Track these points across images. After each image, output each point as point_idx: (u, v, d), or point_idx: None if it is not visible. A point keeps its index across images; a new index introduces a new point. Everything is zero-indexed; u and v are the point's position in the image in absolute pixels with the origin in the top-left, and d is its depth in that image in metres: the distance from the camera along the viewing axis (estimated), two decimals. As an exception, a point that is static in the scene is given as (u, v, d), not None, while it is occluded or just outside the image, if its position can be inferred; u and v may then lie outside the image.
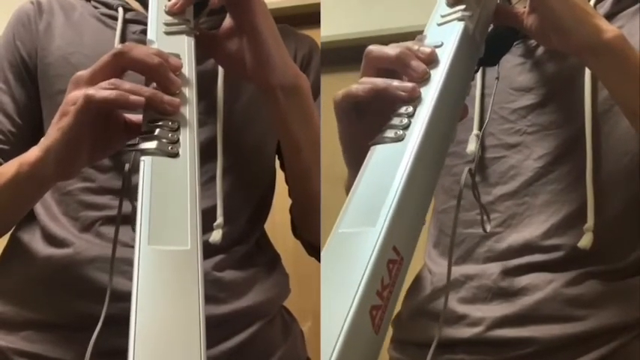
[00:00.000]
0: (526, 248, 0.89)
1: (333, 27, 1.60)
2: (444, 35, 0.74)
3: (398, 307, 0.99)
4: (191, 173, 0.70)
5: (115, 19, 1.00)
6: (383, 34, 1.65)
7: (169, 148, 0.71)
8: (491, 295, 0.89)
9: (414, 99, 0.68)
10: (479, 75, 0.96)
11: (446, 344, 0.89)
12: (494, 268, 0.90)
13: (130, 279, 0.60)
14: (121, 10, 1.00)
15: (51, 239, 0.94)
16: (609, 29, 0.75)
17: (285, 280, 1.06)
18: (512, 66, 0.94)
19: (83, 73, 0.77)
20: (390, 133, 0.66)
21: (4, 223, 0.93)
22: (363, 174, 0.64)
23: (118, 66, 0.77)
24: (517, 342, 0.86)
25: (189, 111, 0.75)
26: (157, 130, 0.72)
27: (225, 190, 0.95)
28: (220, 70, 0.97)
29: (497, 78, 0.92)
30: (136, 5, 1.02)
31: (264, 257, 1.04)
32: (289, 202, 1.04)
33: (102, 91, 0.74)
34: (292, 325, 1.06)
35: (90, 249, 0.92)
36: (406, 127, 0.65)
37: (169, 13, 0.86)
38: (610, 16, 0.88)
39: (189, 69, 0.80)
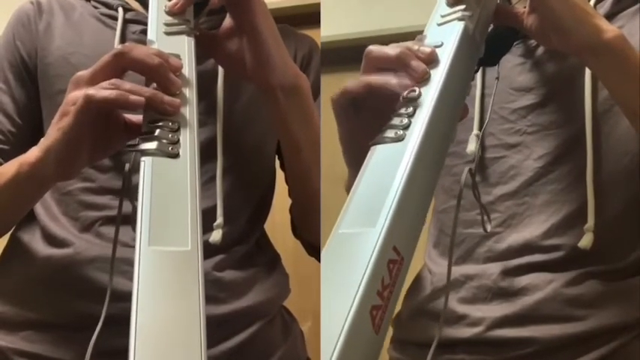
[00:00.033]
0: (526, 248, 0.89)
1: (333, 27, 1.60)
2: (444, 35, 0.74)
3: (398, 307, 0.99)
4: (191, 174, 0.70)
5: (115, 19, 1.00)
6: (383, 34, 1.65)
7: (170, 148, 0.71)
8: (492, 295, 0.89)
9: (412, 95, 0.68)
10: (479, 75, 0.96)
11: (446, 344, 0.89)
12: (495, 268, 0.90)
13: (130, 279, 0.60)
14: (120, 10, 1.00)
15: (51, 239, 0.94)
16: (609, 29, 0.75)
17: (285, 280, 1.06)
18: (513, 66, 0.94)
19: (83, 73, 0.77)
20: (390, 133, 0.65)
21: (4, 223, 0.93)
22: (363, 174, 0.64)
23: (119, 66, 0.77)
24: (517, 342, 0.86)
25: (190, 111, 0.75)
26: (157, 131, 0.72)
27: (225, 190, 0.95)
28: (220, 70, 0.97)
29: (498, 78, 0.92)
30: (136, 5, 1.02)
31: (264, 257, 1.04)
32: (289, 202, 1.04)
33: (102, 90, 0.74)
34: (292, 325, 1.06)
35: (90, 249, 0.92)
36: (406, 127, 0.65)
37: (169, 13, 0.86)
38: (610, 16, 0.88)
39: (189, 69, 0.80)
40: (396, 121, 0.66)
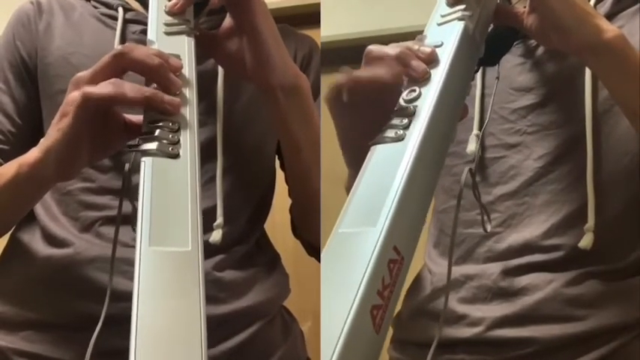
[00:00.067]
0: (526, 248, 0.89)
1: (333, 27, 1.60)
2: (444, 35, 0.74)
3: (398, 307, 0.99)
4: (192, 174, 0.70)
5: (115, 19, 1.00)
6: (383, 34, 1.65)
7: (170, 149, 0.70)
8: (492, 295, 0.89)
9: (412, 95, 0.68)
10: (479, 75, 0.96)
11: (446, 344, 0.89)
12: (495, 268, 0.90)
13: (130, 279, 0.60)
14: (120, 10, 1.00)
15: (51, 239, 0.94)
16: (609, 29, 0.75)
17: (285, 280, 1.06)
18: (513, 66, 0.94)
19: (83, 73, 0.77)
20: (390, 133, 0.65)
21: (4, 223, 0.93)
22: (363, 174, 0.64)
23: (119, 67, 0.76)
24: (517, 342, 0.86)
25: (190, 112, 0.75)
26: (158, 131, 0.71)
27: (225, 190, 0.95)
28: (220, 70, 0.97)
29: (498, 78, 0.92)
30: (136, 5, 1.02)
31: (264, 257, 1.04)
32: (289, 202, 1.04)
33: (100, 88, 0.74)
34: (292, 325, 1.06)
35: (90, 249, 0.92)
36: (406, 127, 0.65)
37: (169, 13, 0.86)
38: (610, 16, 0.88)
39: (189, 69, 0.80)
40: (396, 120, 0.66)
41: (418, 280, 1.00)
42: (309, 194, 0.96)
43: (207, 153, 0.93)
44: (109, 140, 0.80)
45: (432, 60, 0.71)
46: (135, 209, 0.66)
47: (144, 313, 0.57)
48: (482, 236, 0.91)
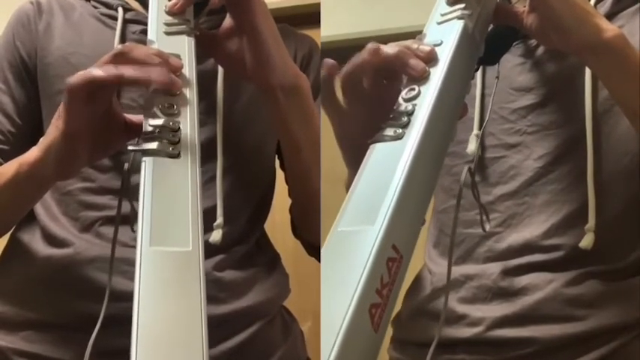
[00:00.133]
0: (526, 248, 0.89)
1: (333, 27, 1.60)
2: (444, 34, 0.74)
3: (398, 307, 0.99)
4: (192, 174, 0.70)
5: (115, 19, 1.00)
6: (383, 34, 1.65)
7: (170, 148, 0.70)
8: (491, 295, 0.89)
9: (411, 94, 0.68)
10: (479, 74, 0.96)
11: (446, 344, 0.89)
12: (494, 268, 0.90)
13: (130, 279, 0.60)
14: (120, 10, 1.00)
15: (51, 239, 0.94)
16: (609, 28, 0.75)
17: (285, 280, 1.06)
18: (513, 66, 0.94)
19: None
20: (389, 132, 0.65)
21: (4, 223, 0.93)
22: (362, 172, 0.64)
23: None
24: (517, 342, 0.86)
25: (190, 111, 0.75)
26: (158, 131, 0.71)
27: (225, 190, 0.95)
28: (220, 69, 0.97)
29: (497, 77, 0.92)
30: (136, 5, 1.02)
31: (264, 257, 1.04)
32: (289, 202, 1.04)
33: (92, 70, 0.73)
34: (292, 325, 1.06)
35: (90, 249, 0.92)
36: (405, 126, 0.65)
37: (169, 13, 0.86)
38: (610, 16, 0.88)
39: (189, 69, 0.80)
40: (395, 119, 0.66)
41: (418, 280, 1.00)
42: (309, 194, 0.96)
43: (207, 153, 0.93)
44: (109, 140, 0.80)
45: (431, 59, 0.71)
46: (134, 209, 0.66)
47: (145, 313, 0.57)
48: (482, 236, 0.91)
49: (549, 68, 0.92)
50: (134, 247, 0.62)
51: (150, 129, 0.72)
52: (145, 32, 0.86)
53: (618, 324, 0.85)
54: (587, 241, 0.85)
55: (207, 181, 0.94)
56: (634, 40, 0.81)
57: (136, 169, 0.69)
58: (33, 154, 0.80)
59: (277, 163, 1.08)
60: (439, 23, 0.76)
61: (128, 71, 0.72)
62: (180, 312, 0.58)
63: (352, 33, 1.74)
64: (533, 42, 0.93)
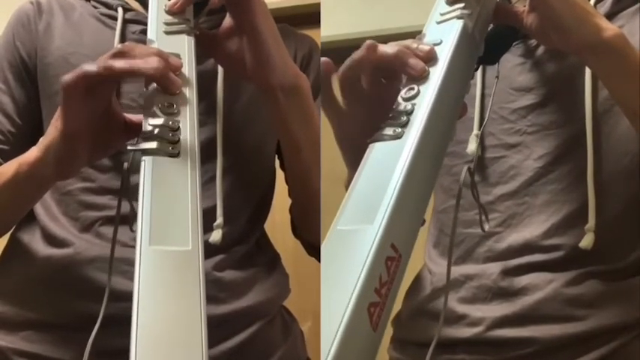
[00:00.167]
0: (526, 248, 0.89)
1: (333, 27, 1.60)
2: (443, 33, 0.74)
3: (398, 306, 0.99)
4: (192, 173, 0.70)
5: (115, 19, 1.00)
6: (383, 34, 1.65)
7: (170, 148, 0.70)
8: (491, 295, 0.89)
9: (411, 93, 0.68)
10: (479, 74, 0.96)
11: (446, 344, 0.89)
12: (494, 267, 0.90)
13: (130, 279, 0.60)
14: (120, 10, 1.00)
15: (51, 239, 0.94)
16: (609, 28, 0.75)
17: (285, 280, 1.06)
18: (513, 66, 0.94)
19: None
20: (388, 131, 0.65)
21: (4, 223, 0.93)
22: (361, 171, 0.64)
23: None
24: (517, 342, 0.86)
25: (190, 111, 0.75)
26: (158, 130, 0.71)
27: (225, 190, 0.95)
28: (220, 69, 0.97)
29: (497, 77, 0.92)
30: (136, 5, 1.02)
31: (264, 257, 1.04)
32: (289, 202, 1.04)
33: (86, 66, 0.73)
34: (292, 325, 1.06)
35: (90, 249, 0.92)
36: (404, 125, 0.65)
37: (169, 12, 0.86)
38: (610, 16, 0.88)
39: (189, 69, 0.80)
40: (394, 118, 0.66)
41: (418, 280, 1.00)
42: (309, 194, 0.96)
43: (207, 153, 0.93)
44: (108, 139, 0.80)
45: (430, 58, 0.71)
46: (133, 209, 0.66)
47: (144, 312, 0.57)
48: (482, 236, 0.91)
49: (549, 68, 0.92)
50: (134, 247, 0.62)
51: (149, 128, 0.72)
52: (144, 32, 0.86)
53: (618, 324, 0.85)
54: (587, 241, 0.85)
55: (207, 181, 0.94)
56: (634, 40, 0.81)
57: (135, 168, 0.69)
58: (32, 154, 0.80)
59: (277, 163, 1.08)
60: (439, 23, 0.76)
61: (119, 63, 0.72)
62: (180, 311, 0.58)
63: (352, 33, 1.74)
64: (533, 42, 0.93)
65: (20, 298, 0.94)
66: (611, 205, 0.87)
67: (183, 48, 0.82)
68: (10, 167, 0.83)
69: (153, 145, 0.70)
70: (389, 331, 1.01)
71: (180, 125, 0.73)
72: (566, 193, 0.88)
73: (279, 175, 1.07)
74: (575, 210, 0.87)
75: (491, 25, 0.83)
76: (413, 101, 0.67)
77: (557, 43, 0.78)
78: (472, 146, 0.92)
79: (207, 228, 0.92)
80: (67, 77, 0.72)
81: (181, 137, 0.72)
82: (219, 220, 0.94)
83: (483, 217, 0.84)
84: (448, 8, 0.77)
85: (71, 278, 0.91)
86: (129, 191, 0.71)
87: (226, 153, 0.96)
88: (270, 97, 0.87)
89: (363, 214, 0.58)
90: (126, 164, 0.70)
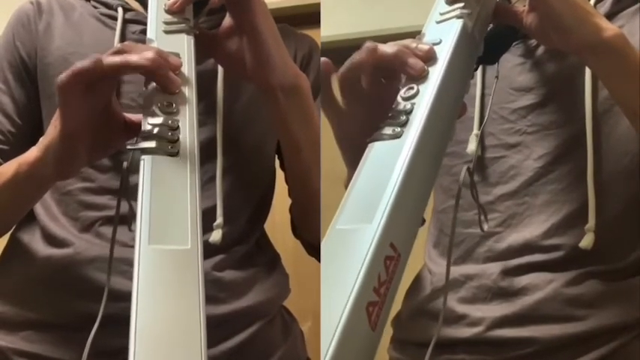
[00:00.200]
0: (526, 248, 0.89)
1: (333, 27, 1.60)
2: (443, 33, 0.74)
3: (397, 306, 0.99)
4: (191, 172, 0.70)
5: (115, 19, 1.00)
6: (383, 34, 1.65)
7: (169, 147, 0.70)
8: (491, 295, 0.89)
9: (410, 93, 0.68)
10: (479, 74, 0.96)
11: (446, 344, 0.89)
12: (494, 267, 0.90)
13: (130, 279, 0.60)
14: (120, 10, 1.00)
15: (51, 239, 0.94)
16: (609, 28, 0.75)
17: (285, 280, 1.06)
18: (513, 66, 0.94)
19: None
20: (387, 130, 0.65)
21: (4, 223, 0.93)
22: (360, 171, 0.64)
23: None
24: (517, 342, 0.86)
25: (189, 110, 0.75)
26: (157, 130, 0.71)
27: (225, 190, 0.95)
28: (220, 69, 0.97)
29: (497, 77, 0.92)
30: (136, 5, 1.02)
31: (264, 257, 1.04)
32: (289, 202, 1.04)
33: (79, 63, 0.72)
34: (292, 325, 1.05)
35: (90, 249, 0.92)
36: (404, 124, 0.65)
37: (169, 11, 0.86)
38: (610, 16, 0.88)
39: (188, 68, 0.80)
40: (393, 118, 0.66)
41: (418, 280, 1.00)
42: (309, 194, 0.96)
43: (207, 153, 0.93)
44: (108, 139, 0.80)
45: (429, 58, 0.71)
46: (131, 209, 0.66)
47: (143, 311, 0.57)
48: (482, 236, 0.91)
49: (549, 68, 0.92)
50: (134, 246, 0.62)
51: (149, 128, 0.72)
52: (144, 32, 0.86)
53: (618, 324, 0.85)
54: (587, 241, 0.85)
55: (207, 181, 0.94)
56: (634, 40, 0.81)
57: (135, 168, 0.69)
58: (32, 153, 0.81)
59: (277, 163, 1.08)
60: (438, 22, 0.76)
61: (111, 59, 0.72)
62: (179, 310, 0.58)
63: (352, 33, 1.74)
64: (533, 42, 0.93)
65: (20, 298, 0.94)
66: (611, 205, 0.87)
67: (182, 47, 0.82)
68: (10, 167, 0.83)
69: (152, 144, 0.70)
70: (389, 331, 1.01)
71: (180, 124, 0.73)
72: (566, 193, 0.88)
73: (279, 175, 1.07)
74: (575, 210, 0.87)
75: (491, 25, 0.83)
76: (412, 101, 0.67)
77: (557, 43, 0.78)
78: (472, 146, 0.92)
79: (207, 228, 0.92)
80: (62, 76, 0.72)
81: (181, 136, 0.72)
82: (219, 220, 0.94)
83: (482, 217, 0.84)
84: (448, 8, 0.77)
85: (71, 278, 0.91)
86: (128, 191, 0.71)
87: (226, 153, 0.96)
88: (270, 97, 0.87)
89: (362, 214, 0.58)
90: (125, 164, 0.70)
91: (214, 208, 0.94)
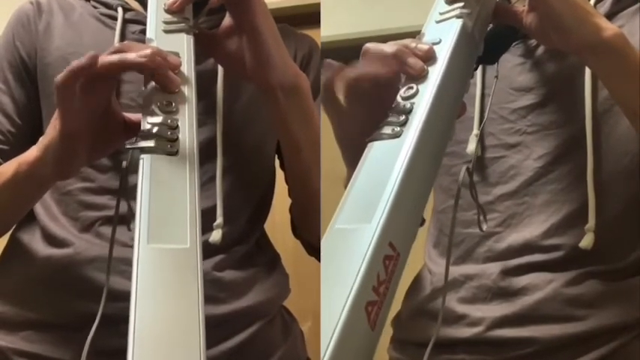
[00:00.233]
0: (526, 248, 0.89)
1: (333, 27, 1.60)
2: (442, 33, 0.74)
3: (397, 306, 0.99)
4: (190, 171, 0.70)
5: (115, 19, 1.00)
6: (383, 34, 1.65)
7: (168, 146, 0.70)
8: (491, 295, 0.89)
9: (409, 92, 0.68)
10: (479, 74, 0.96)
11: (446, 344, 0.89)
12: (494, 267, 0.90)
13: (129, 279, 0.60)
14: (120, 10, 1.00)
15: (51, 239, 0.94)
16: (609, 28, 0.75)
17: (285, 280, 1.06)
18: (513, 66, 0.94)
19: None
20: (387, 130, 0.65)
21: (4, 223, 0.94)
22: (360, 170, 0.64)
23: None
24: (517, 342, 0.86)
25: (189, 109, 0.75)
26: (156, 129, 0.71)
27: (225, 190, 0.95)
28: (220, 69, 0.97)
29: (497, 77, 0.92)
30: (136, 5, 1.02)
31: (264, 257, 1.04)
32: (289, 202, 1.04)
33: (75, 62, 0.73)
34: (292, 325, 1.05)
35: (90, 249, 0.92)
36: (403, 124, 0.65)
37: (168, 11, 0.86)
38: (610, 16, 0.88)
39: (188, 67, 0.80)
40: (393, 117, 0.66)
41: (418, 280, 1.00)
42: (309, 194, 0.96)
43: (206, 153, 0.93)
44: (108, 139, 0.80)
45: (429, 57, 0.71)
46: (130, 209, 0.66)
47: (142, 310, 0.57)
48: (481, 236, 0.91)
49: (549, 68, 0.92)
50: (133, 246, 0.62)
51: (148, 127, 0.72)
52: (144, 32, 0.86)
53: (618, 324, 0.84)
54: (587, 241, 0.85)
55: (207, 181, 0.94)
56: (634, 40, 0.81)
57: (134, 167, 0.69)
58: (32, 153, 0.81)
59: (277, 163, 1.08)
60: (438, 22, 0.76)
61: (108, 58, 0.73)
62: (178, 309, 0.58)
63: (352, 33, 1.74)
64: (533, 42, 0.93)
65: (20, 298, 0.94)
66: (611, 205, 0.87)
67: (182, 47, 0.82)
68: (10, 167, 0.83)
69: (151, 143, 0.70)
70: (389, 331, 1.01)
71: (179, 123, 0.73)
72: (566, 193, 0.88)
73: (279, 175, 1.06)
74: (575, 210, 0.87)
75: (491, 25, 0.83)
76: (412, 100, 0.67)
77: (556, 43, 0.78)
78: (471, 146, 0.92)
79: (207, 228, 0.92)
80: (60, 76, 0.72)
81: (180, 135, 0.72)
82: (219, 220, 0.94)
83: (481, 217, 0.84)
84: (447, 7, 0.77)
85: (71, 278, 0.91)
86: (127, 191, 0.71)
87: (226, 153, 0.96)
88: (270, 97, 0.87)
89: (361, 213, 0.58)
90: (124, 163, 0.70)
91: (214, 208, 0.94)
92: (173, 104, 0.74)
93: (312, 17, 1.42)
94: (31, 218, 0.96)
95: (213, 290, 0.92)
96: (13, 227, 0.97)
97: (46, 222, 0.95)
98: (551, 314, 0.85)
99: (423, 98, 0.67)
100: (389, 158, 0.62)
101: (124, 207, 0.74)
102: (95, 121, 0.76)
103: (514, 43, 0.93)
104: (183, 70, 0.78)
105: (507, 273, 0.89)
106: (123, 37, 0.98)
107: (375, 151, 0.65)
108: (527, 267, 0.88)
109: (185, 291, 0.60)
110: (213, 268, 0.94)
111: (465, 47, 0.74)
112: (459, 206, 0.74)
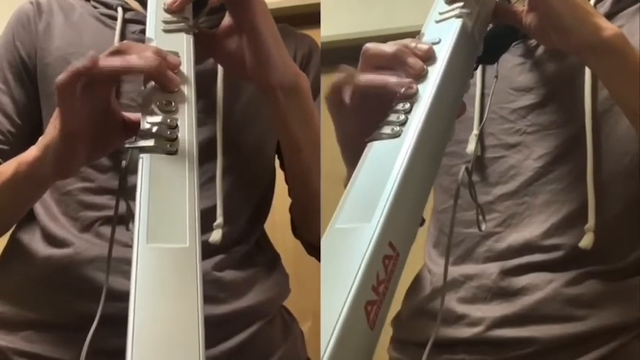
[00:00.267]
0: (526, 248, 0.89)
1: (333, 27, 1.60)
2: (442, 32, 0.74)
3: (397, 306, 0.99)
4: (190, 171, 0.70)
5: (115, 18, 1.00)
6: (383, 34, 1.65)
7: (168, 145, 0.70)
8: (491, 295, 0.89)
9: (409, 92, 0.68)
10: (479, 74, 0.96)
11: (446, 344, 0.89)
12: (494, 267, 0.90)
13: (129, 278, 0.60)
14: (120, 9, 1.00)
15: (51, 239, 0.94)
16: (609, 28, 0.75)
17: (285, 280, 1.06)
18: (512, 66, 0.94)
19: None
20: (386, 130, 0.65)
21: (4, 223, 0.93)
22: (359, 170, 0.64)
23: None
24: (517, 342, 0.86)
25: (188, 109, 0.75)
26: (156, 128, 0.71)
27: (225, 190, 0.95)
28: (220, 69, 0.97)
29: (496, 77, 0.92)
30: (136, 5, 1.02)
31: (264, 257, 1.04)
32: (289, 202, 1.04)
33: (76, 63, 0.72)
34: (292, 325, 1.05)
35: (90, 249, 0.92)
36: (403, 124, 0.65)
37: (168, 11, 0.86)
38: (610, 16, 0.88)
39: (187, 67, 0.80)
40: (392, 117, 0.66)
41: (418, 280, 1.00)
42: (309, 194, 0.96)
43: (206, 153, 0.93)
44: (107, 138, 0.80)
45: (429, 57, 0.71)
46: (129, 208, 0.66)
47: (141, 309, 0.57)
48: (481, 236, 0.91)
49: (549, 68, 0.92)
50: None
51: (147, 126, 0.71)
52: (144, 32, 0.86)
53: (618, 324, 0.84)
54: (586, 241, 0.85)
55: (207, 181, 0.94)
56: (634, 40, 0.81)
57: (133, 167, 0.69)
58: (31, 153, 0.81)
59: (277, 163, 1.08)
60: (437, 22, 0.76)
61: (111, 62, 0.73)
62: (177, 309, 0.58)
63: (352, 33, 1.73)
64: (532, 42, 0.93)
65: (20, 298, 0.94)
66: (611, 205, 0.87)
67: (181, 46, 0.82)
68: (10, 167, 0.83)
69: (150, 142, 0.70)
70: (389, 331, 1.01)
71: (179, 123, 0.73)
72: (566, 193, 0.88)
73: (279, 175, 1.06)
74: (575, 210, 0.87)
75: (491, 25, 0.83)
76: (411, 100, 0.67)
77: (556, 43, 0.78)
78: (471, 146, 0.92)
79: (207, 228, 0.92)
80: (61, 77, 0.72)
81: (179, 135, 0.72)
82: (219, 219, 0.94)
83: (481, 217, 0.84)
84: (447, 7, 0.77)
85: (71, 278, 0.91)
86: (127, 190, 0.71)
87: (226, 153, 0.96)
88: (270, 97, 0.87)
89: (360, 213, 0.58)
90: (124, 162, 0.70)
91: (214, 207, 0.94)
92: (173, 104, 0.74)
93: (312, 17, 1.42)
94: (31, 218, 0.96)
95: (213, 290, 0.92)
96: (13, 227, 0.97)
97: (46, 222, 0.95)
98: (551, 314, 0.85)
99: (422, 98, 0.67)
100: (388, 158, 0.61)
101: (123, 207, 0.74)
102: (95, 121, 0.76)
103: (514, 43, 0.93)
104: (182, 70, 0.78)
105: (507, 273, 0.89)
106: (123, 37, 0.98)
107: (375, 150, 0.65)
108: (527, 267, 0.88)
109: (184, 291, 0.60)
110: (213, 268, 0.94)
111: (464, 47, 0.73)
112: (458, 206, 0.74)
